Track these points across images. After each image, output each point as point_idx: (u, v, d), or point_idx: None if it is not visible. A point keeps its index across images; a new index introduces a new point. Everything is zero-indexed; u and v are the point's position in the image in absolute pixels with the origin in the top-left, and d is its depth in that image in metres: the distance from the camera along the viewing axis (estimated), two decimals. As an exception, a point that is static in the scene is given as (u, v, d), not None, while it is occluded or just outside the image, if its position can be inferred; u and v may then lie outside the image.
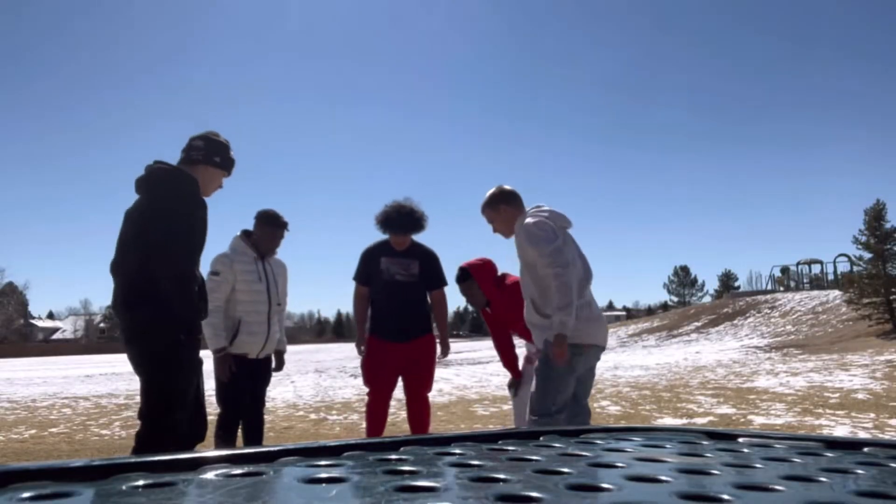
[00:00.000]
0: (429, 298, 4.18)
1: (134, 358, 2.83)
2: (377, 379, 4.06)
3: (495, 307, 3.82)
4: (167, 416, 2.75)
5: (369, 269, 4.11)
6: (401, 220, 4.00)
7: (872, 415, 6.05)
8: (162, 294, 2.71)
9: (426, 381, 4.11)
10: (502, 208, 3.20)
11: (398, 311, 4.03)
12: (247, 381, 3.85)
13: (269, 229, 3.97)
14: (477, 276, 3.76)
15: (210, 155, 2.99)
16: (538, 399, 2.98)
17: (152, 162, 2.95)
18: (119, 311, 2.86)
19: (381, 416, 4.09)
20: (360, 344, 4.16)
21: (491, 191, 3.28)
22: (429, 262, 4.11)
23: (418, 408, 4.10)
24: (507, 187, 3.28)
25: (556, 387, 2.94)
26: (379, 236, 4.16)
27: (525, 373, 3.94)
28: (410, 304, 4.05)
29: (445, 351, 4.15)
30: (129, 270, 2.79)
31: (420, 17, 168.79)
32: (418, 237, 4.16)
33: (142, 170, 2.95)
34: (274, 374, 4.18)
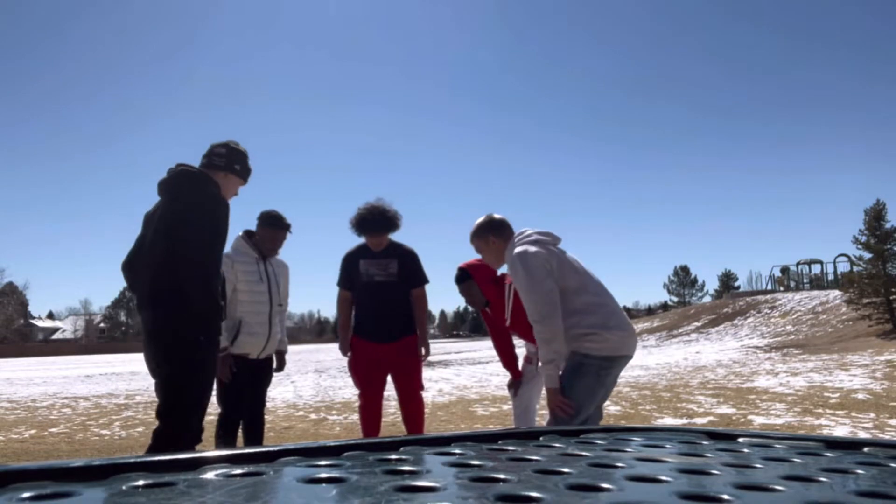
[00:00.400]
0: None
1: (154, 356, 2.85)
2: (365, 380, 4.10)
3: (495, 307, 3.82)
4: (186, 415, 2.79)
5: (350, 273, 4.15)
6: (374, 220, 4.03)
7: (872, 415, 6.05)
8: (186, 293, 2.75)
9: (415, 380, 4.11)
10: (491, 239, 3.11)
11: (378, 312, 4.07)
12: (247, 381, 3.85)
13: (271, 230, 3.97)
14: (476, 276, 3.75)
15: (231, 162, 3.08)
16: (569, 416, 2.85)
17: (175, 165, 3.01)
18: (142, 309, 2.89)
19: (374, 417, 4.11)
20: (345, 348, 4.22)
21: (479, 220, 3.19)
22: (407, 261, 4.12)
23: (413, 408, 4.11)
24: (497, 216, 3.18)
25: (583, 402, 2.83)
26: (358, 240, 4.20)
27: (525, 372, 3.93)
28: (390, 304, 4.06)
29: (426, 350, 4.14)
30: (152, 269, 2.82)
31: (419, 16, 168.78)
32: (397, 236, 4.19)
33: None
34: (274, 374, 4.18)
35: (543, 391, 4.05)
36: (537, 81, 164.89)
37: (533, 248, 2.86)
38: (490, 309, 3.85)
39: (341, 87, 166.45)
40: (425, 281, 4.20)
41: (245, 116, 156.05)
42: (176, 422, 2.78)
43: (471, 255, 4.01)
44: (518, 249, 2.89)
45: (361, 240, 4.18)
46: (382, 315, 4.06)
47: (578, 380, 2.82)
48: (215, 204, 2.88)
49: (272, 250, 4.00)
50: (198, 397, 2.82)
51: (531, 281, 2.79)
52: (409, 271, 4.12)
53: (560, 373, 2.87)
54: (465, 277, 3.77)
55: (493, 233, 3.11)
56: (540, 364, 2.83)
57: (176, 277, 2.75)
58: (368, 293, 4.09)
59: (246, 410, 3.90)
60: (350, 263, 4.16)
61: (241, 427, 3.91)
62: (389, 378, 4.15)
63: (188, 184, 2.91)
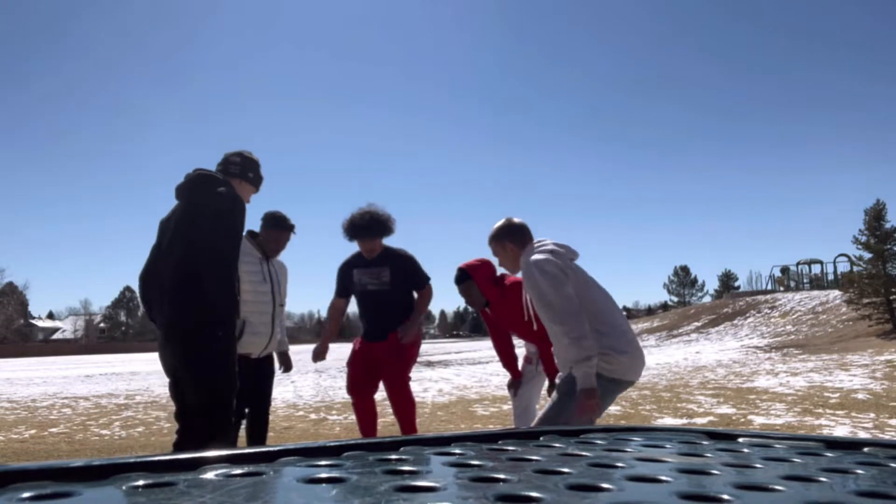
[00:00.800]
0: (414, 294, 4.24)
1: (173, 355, 2.92)
2: (356, 378, 4.17)
3: (495, 307, 3.82)
4: (220, 413, 2.87)
5: (345, 282, 4.25)
6: (363, 225, 4.07)
7: (872, 415, 6.06)
8: (206, 292, 2.83)
9: (399, 374, 4.07)
10: (508, 245, 3.05)
11: (373, 319, 4.15)
12: (250, 380, 3.86)
13: (275, 231, 3.99)
14: (475, 276, 3.75)
15: (245, 170, 3.21)
16: (558, 421, 2.79)
17: (192, 170, 3.09)
18: (159, 311, 2.96)
19: (368, 415, 4.16)
20: (318, 352, 4.32)
21: (498, 224, 3.12)
22: (400, 268, 4.13)
23: (401, 406, 4.09)
24: (516, 221, 3.11)
25: (574, 416, 2.74)
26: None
27: (525, 372, 3.93)
28: (384, 312, 4.13)
29: (404, 334, 4.07)
30: (171, 269, 2.89)
31: (419, 17, 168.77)
32: (399, 240, 4.21)
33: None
34: (282, 374, 4.23)
35: (543, 391, 4.06)
36: (537, 82, 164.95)
37: (548, 257, 2.84)
38: (490, 309, 3.85)
39: (341, 88, 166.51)
40: (426, 279, 4.22)
41: (245, 118, 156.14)
42: (213, 419, 2.86)
43: (471, 255, 4.03)
44: (535, 257, 2.85)
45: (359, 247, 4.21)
46: (376, 322, 4.14)
47: (573, 400, 2.75)
48: (233, 204, 2.96)
49: (276, 251, 4.02)
50: (228, 393, 2.90)
51: (551, 286, 2.74)
52: (404, 277, 4.13)
53: (561, 379, 2.85)
54: (465, 278, 3.77)
55: (510, 238, 3.06)
56: (572, 368, 2.70)
57: (196, 276, 2.82)
58: (363, 302, 4.18)
59: (253, 408, 3.92)
60: (344, 273, 4.24)
61: (244, 425, 3.92)
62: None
63: (205, 186, 2.99)
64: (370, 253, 4.13)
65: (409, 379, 4.15)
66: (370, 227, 4.06)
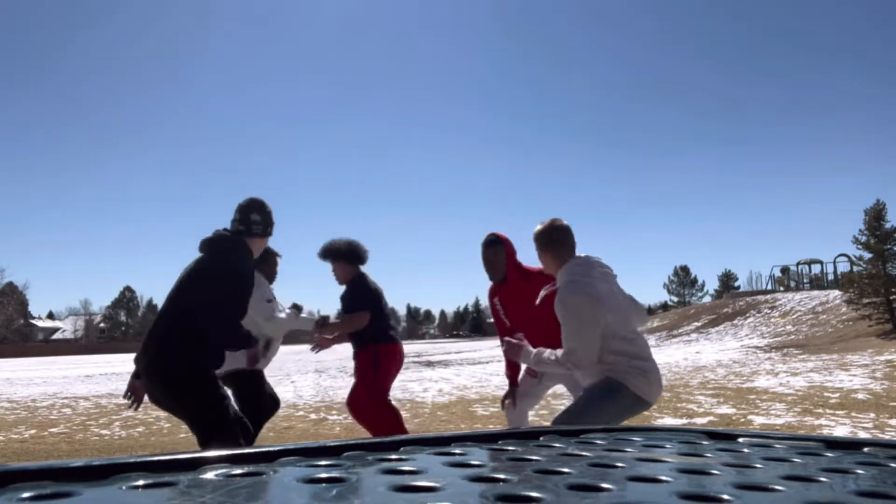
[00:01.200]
0: (391, 322, 4.54)
1: (167, 396, 3.10)
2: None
3: (509, 290, 3.77)
4: (224, 424, 3.04)
5: None
6: (321, 249, 4.50)
7: (872, 415, 6.06)
8: (210, 345, 3.07)
9: (357, 389, 4.40)
10: (546, 253, 3.09)
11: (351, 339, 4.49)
12: (261, 386, 4.19)
13: (271, 261, 4.31)
14: (507, 247, 3.78)
15: (266, 227, 3.41)
16: (581, 417, 2.96)
17: (222, 229, 3.34)
18: (146, 350, 3.12)
19: (367, 419, 4.39)
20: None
21: (541, 226, 3.13)
22: (345, 295, 4.46)
23: (360, 417, 4.44)
24: (558, 226, 3.10)
25: (596, 421, 2.90)
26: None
27: (522, 383, 3.87)
28: (351, 334, 4.44)
29: (317, 324, 4.39)
30: (189, 317, 3.11)
31: (419, 22, 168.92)
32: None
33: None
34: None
35: (543, 392, 4.05)
36: (537, 84, 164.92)
37: (587, 294, 2.87)
38: (501, 292, 3.79)
39: (344, 89, 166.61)
40: (357, 309, 4.37)
41: (244, 125, 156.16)
42: (221, 436, 3.03)
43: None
44: (573, 288, 2.89)
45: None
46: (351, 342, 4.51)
47: (608, 403, 2.88)
48: (246, 274, 3.21)
49: (273, 278, 4.37)
50: (225, 404, 3.08)
51: (580, 325, 2.84)
52: (347, 306, 4.45)
53: (590, 384, 2.98)
54: (498, 242, 3.77)
55: (546, 246, 3.08)
56: (536, 357, 2.97)
57: (210, 329, 3.05)
58: None
59: (271, 404, 4.27)
60: None
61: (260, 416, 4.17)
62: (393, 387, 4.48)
63: (230, 253, 3.22)
64: (337, 278, 4.50)
65: (382, 393, 4.34)
66: (323, 253, 4.47)
